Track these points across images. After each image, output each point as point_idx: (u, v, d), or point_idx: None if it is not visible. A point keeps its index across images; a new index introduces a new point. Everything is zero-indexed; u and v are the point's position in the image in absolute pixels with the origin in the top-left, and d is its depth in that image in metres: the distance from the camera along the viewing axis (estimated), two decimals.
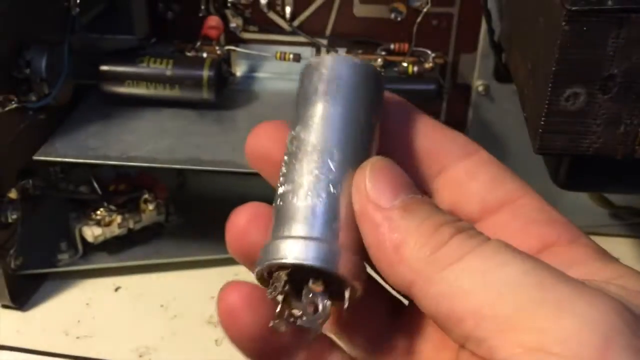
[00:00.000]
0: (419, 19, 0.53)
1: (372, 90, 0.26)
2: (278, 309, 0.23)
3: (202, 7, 0.56)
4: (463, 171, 0.27)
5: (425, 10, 0.53)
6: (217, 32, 0.56)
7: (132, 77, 0.52)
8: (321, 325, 0.23)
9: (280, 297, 0.23)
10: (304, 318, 0.23)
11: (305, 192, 0.24)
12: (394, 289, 0.24)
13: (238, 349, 0.25)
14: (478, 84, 0.55)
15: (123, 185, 0.55)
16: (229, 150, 0.48)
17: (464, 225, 0.23)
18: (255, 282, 0.25)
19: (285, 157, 0.25)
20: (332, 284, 0.23)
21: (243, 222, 0.25)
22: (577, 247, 0.25)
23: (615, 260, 0.24)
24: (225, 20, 0.56)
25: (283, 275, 0.23)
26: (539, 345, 0.19)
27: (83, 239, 0.54)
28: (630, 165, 0.34)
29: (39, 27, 0.49)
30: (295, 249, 0.23)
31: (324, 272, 0.23)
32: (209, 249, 0.55)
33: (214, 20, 0.56)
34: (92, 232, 0.53)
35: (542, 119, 0.32)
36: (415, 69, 0.53)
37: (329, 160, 0.24)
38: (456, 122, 0.56)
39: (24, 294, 0.52)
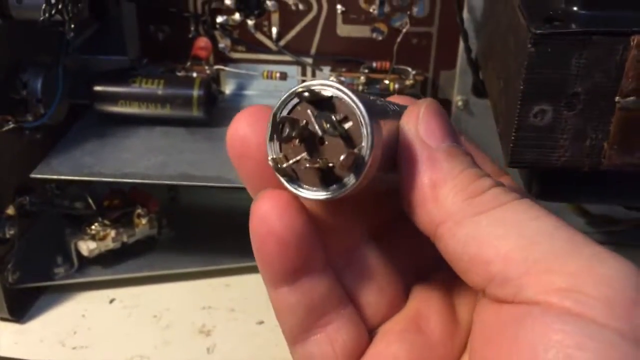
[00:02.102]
0: (399, 39, 0.55)
1: None
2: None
3: (192, 28, 0.58)
4: None
5: (405, 30, 0.55)
6: (206, 52, 0.57)
7: (125, 97, 0.54)
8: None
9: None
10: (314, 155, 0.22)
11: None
12: (418, 227, 0.24)
13: (262, 259, 0.24)
14: (457, 99, 0.57)
15: (117, 201, 0.57)
16: (218, 166, 0.50)
17: (499, 182, 0.23)
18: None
19: None
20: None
21: (244, 125, 0.24)
22: None
23: None
24: (214, 40, 0.58)
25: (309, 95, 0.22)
26: (571, 286, 0.20)
27: (78, 253, 0.55)
28: (598, 177, 0.36)
29: (34, 50, 0.51)
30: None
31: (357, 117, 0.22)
32: (199, 261, 0.57)
33: (203, 41, 0.57)
34: (87, 246, 0.55)
35: (513, 134, 0.34)
36: (397, 86, 0.55)
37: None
38: None
39: (21, 307, 0.53)
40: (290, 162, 0.23)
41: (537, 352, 0.19)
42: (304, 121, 0.22)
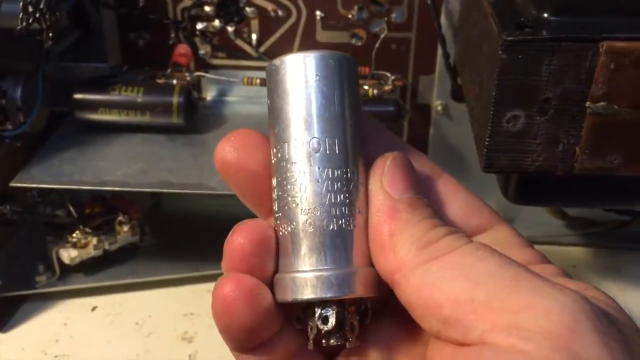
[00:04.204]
0: (378, 44, 0.55)
1: (351, 78, 0.27)
2: (313, 335, 0.26)
3: (172, 35, 0.58)
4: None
5: (383, 35, 0.55)
6: (186, 59, 0.57)
7: (105, 104, 0.54)
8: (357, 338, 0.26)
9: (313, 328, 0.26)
10: (349, 339, 0.26)
11: (324, 219, 0.25)
12: (379, 273, 0.25)
13: (226, 337, 0.26)
14: (437, 104, 0.58)
15: (98, 208, 0.57)
16: (198, 173, 0.50)
17: (455, 229, 0.25)
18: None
19: (288, 174, 0.26)
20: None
21: (247, 248, 0.26)
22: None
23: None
24: (194, 47, 0.58)
25: (317, 312, 0.25)
26: (511, 323, 0.21)
27: (60, 261, 0.55)
28: (573, 181, 0.36)
29: (14, 58, 0.50)
30: (325, 285, 0.25)
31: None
32: (182, 267, 0.57)
33: (183, 48, 0.57)
34: (68, 254, 0.55)
35: (487, 139, 0.34)
36: (375, 91, 0.55)
37: (349, 183, 0.26)
38: (418, 139, 0.59)
39: (3, 316, 0.53)
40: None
41: None
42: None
